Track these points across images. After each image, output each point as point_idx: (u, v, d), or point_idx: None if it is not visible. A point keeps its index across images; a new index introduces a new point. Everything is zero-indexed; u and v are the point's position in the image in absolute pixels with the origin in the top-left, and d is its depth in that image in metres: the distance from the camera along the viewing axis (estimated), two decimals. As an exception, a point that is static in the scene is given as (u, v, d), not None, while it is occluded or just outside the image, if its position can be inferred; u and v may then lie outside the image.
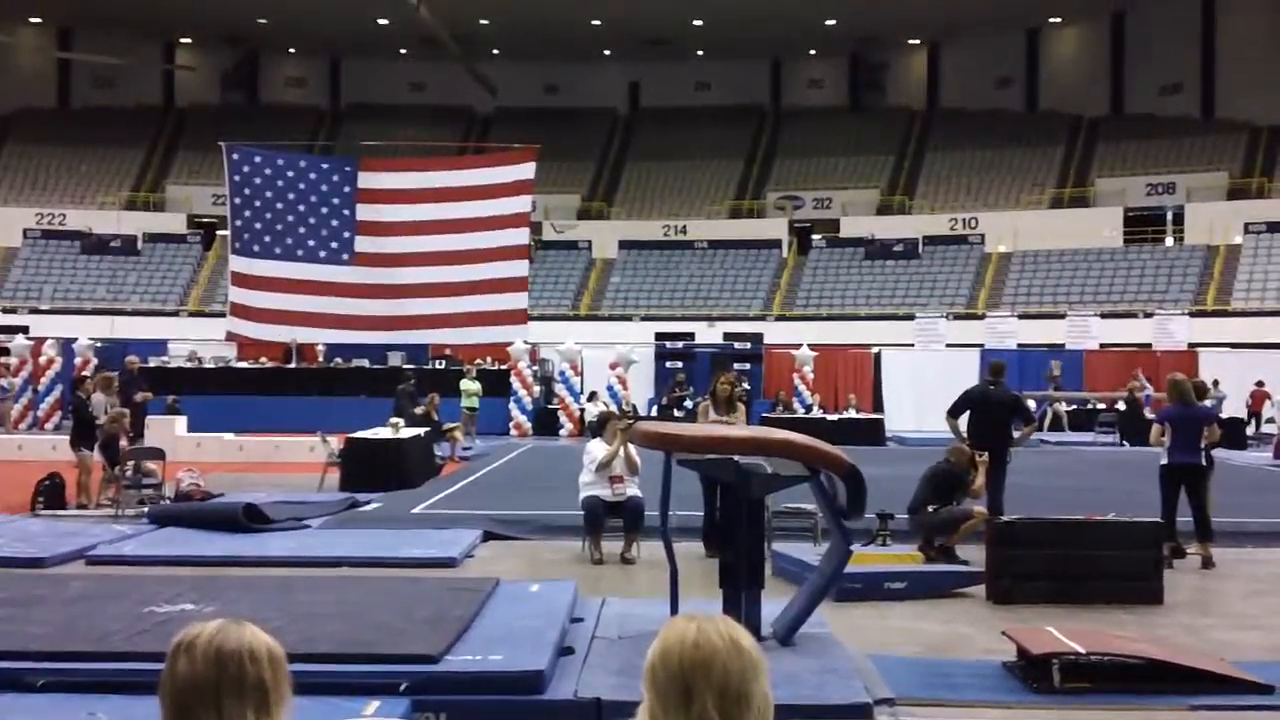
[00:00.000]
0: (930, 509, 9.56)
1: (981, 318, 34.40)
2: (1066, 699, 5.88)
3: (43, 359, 27.84)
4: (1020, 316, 33.86)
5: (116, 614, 6.71)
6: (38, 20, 44.33)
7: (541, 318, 31.52)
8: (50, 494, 12.89)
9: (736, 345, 32.73)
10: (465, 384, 24.60)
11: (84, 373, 22.64)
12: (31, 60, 45.53)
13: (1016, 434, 11.19)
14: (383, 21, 40.71)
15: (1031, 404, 18.11)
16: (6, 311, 35.55)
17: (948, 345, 31.27)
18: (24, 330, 31.48)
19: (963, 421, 10.99)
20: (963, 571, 9.02)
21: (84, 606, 7.00)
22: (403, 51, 44.81)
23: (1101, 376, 28.75)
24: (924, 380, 26.44)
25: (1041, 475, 15.37)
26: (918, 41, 45.77)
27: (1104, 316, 33.01)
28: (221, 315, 23.15)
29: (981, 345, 30.18)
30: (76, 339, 28.28)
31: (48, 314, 35.28)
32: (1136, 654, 6.21)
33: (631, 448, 10.30)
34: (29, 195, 41.74)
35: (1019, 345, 30.91)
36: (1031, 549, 8.55)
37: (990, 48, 43.42)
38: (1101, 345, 31.19)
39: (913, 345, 31.71)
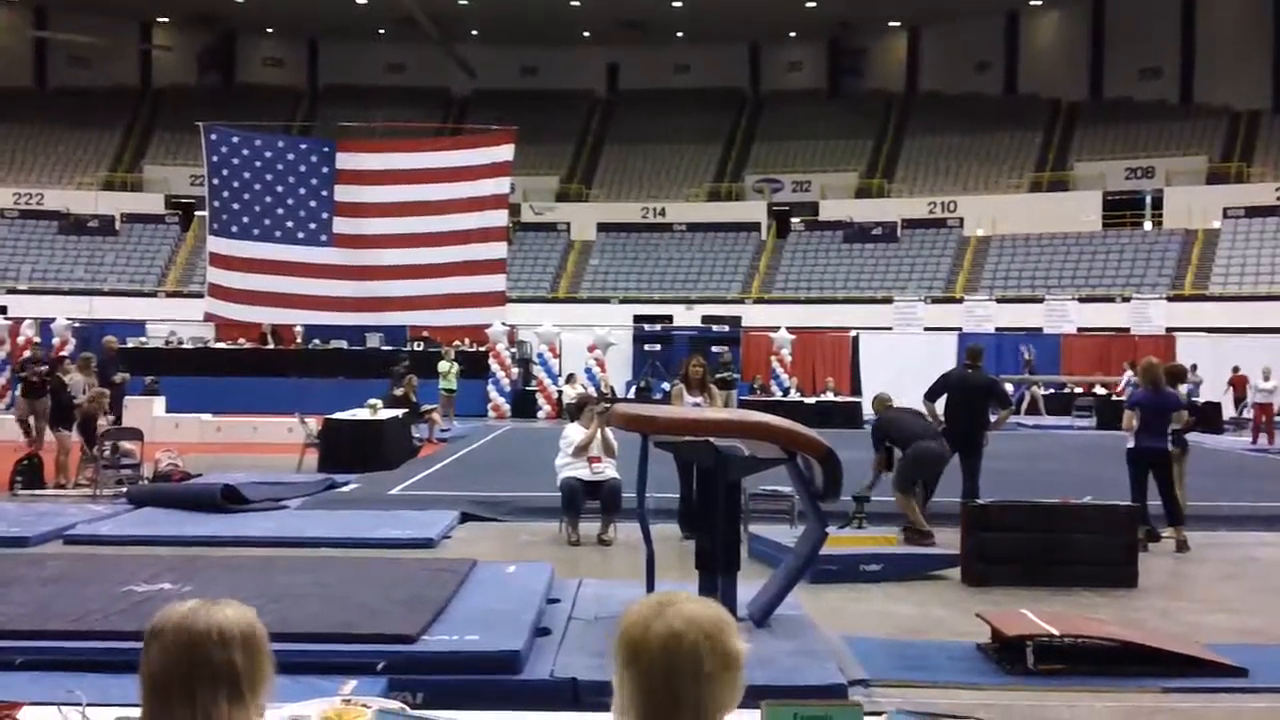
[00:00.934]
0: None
1: (960, 301, 34.55)
2: (1040, 680, 5.94)
3: (20, 339, 27.66)
4: (998, 300, 34.02)
5: (95, 594, 6.71)
6: (12, -1, 43.92)
7: (520, 300, 31.52)
8: (28, 474, 12.86)
9: (715, 328, 32.77)
10: (443, 366, 24.59)
11: (62, 353, 22.52)
12: (7, 40, 45.04)
13: (993, 418, 11.27)
14: (361, 1, 40.46)
15: (1009, 388, 18.23)
16: (-17, 292, 35.29)
17: (926, 329, 31.41)
18: (2, 310, 31.26)
19: (940, 405, 11.06)
20: (938, 554, 9.09)
21: (62, 586, 7.00)
22: (381, 32, 44.52)
23: (1079, 361, 28.96)
24: (902, 364, 26.53)
25: (1018, 459, 15.51)
26: (897, 25, 45.78)
27: (1082, 301, 33.21)
28: (199, 296, 23.05)
29: (959, 329, 30.31)
30: (54, 319, 28.12)
31: (25, 294, 35.02)
32: (1110, 636, 6.29)
33: (609, 431, 10.36)
34: (6, 175, 41.38)
35: (997, 329, 31.08)
36: (1006, 532, 8.62)
37: (970, 31, 43.48)
38: (1079, 329, 31.39)
39: (891, 329, 31.83)
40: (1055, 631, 6.17)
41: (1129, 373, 25.77)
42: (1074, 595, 8.08)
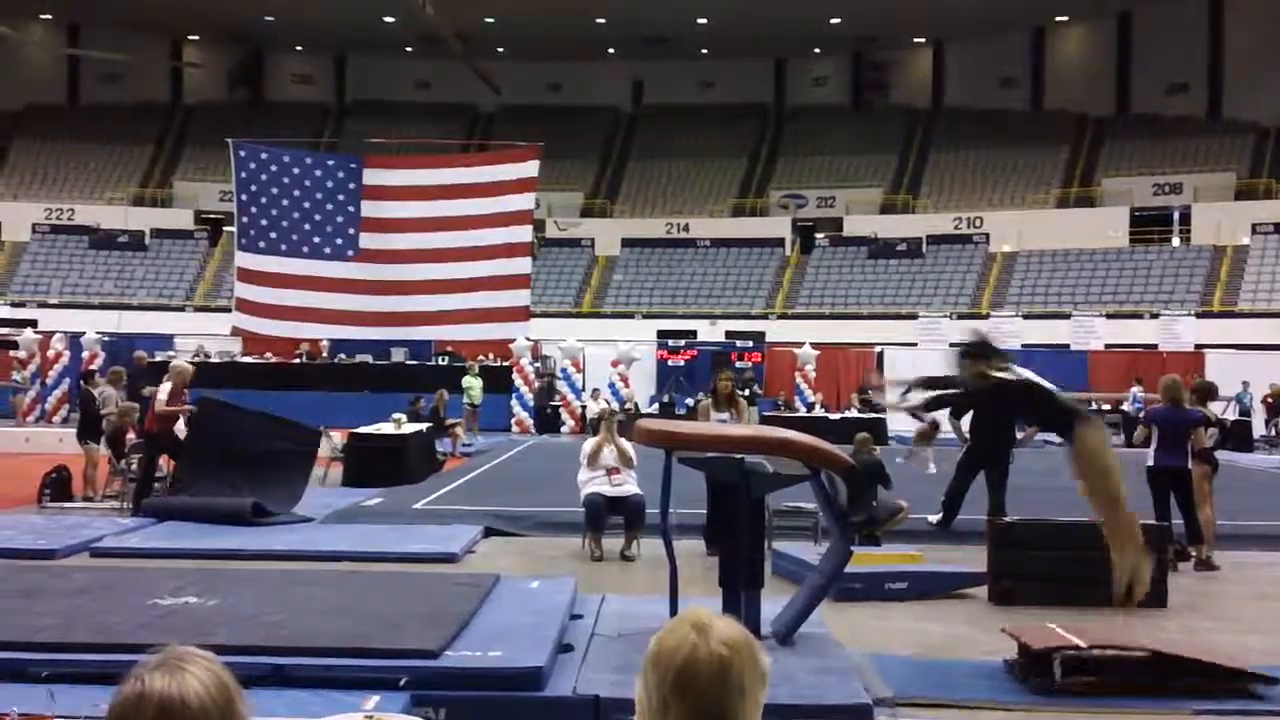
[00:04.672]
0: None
1: (985, 317, 34.36)
2: (1067, 700, 5.86)
3: (50, 353, 27.95)
4: (1025, 316, 33.84)
5: (120, 606, 6.75)
6: (47, 17, 44.38)
7: (544, 315, 31.51)
8: (57, 486, 12.97)
9: (739, 344, 32.73)
10: (468, 380, 24.67)
11: (91, 367, 22.71)
12: (41, 57, 45.60)
13: (1020, 435, 11.19)
14: (388, 19, 40.74)
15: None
16: (15, 306, 35.65)
17: (951, 345, 31.20)
18: (32, 324, 31.58)
19: (965, 421, 10.99)
20: (963, 573, 9.03)
21: (88, 598, 7.04)
22: (408, 49, 44.82)
23: (1106, 377, 28.74)
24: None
25: (1044, 476, 15.37)
26: (922, 40, 45.71)
27: (1109, 317, 32.98)
28: (227, 310, 23.19)
29: (985, 345, 30.10)
30: (84, 333, 28.38)
31: (56, 308, 35.36)
32: (1140, 647, 6.20)
33: (625, 442, 10.39)
34: (38, 191, 41.82)
35: (1023, 345, 30.88)
36: (1033, 550, 8.55)
37: (995, 47, 43.37)
38: (1107, 346, 31.15)
39: (916, 344, 31.70)
40: (1082, 644, 6.09)
41: (1136, 388, 25.63)
42: (1102, 615, 7.99)
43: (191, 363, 26.77)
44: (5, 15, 40.28)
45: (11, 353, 28.58)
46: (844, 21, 41.98)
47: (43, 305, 35.79)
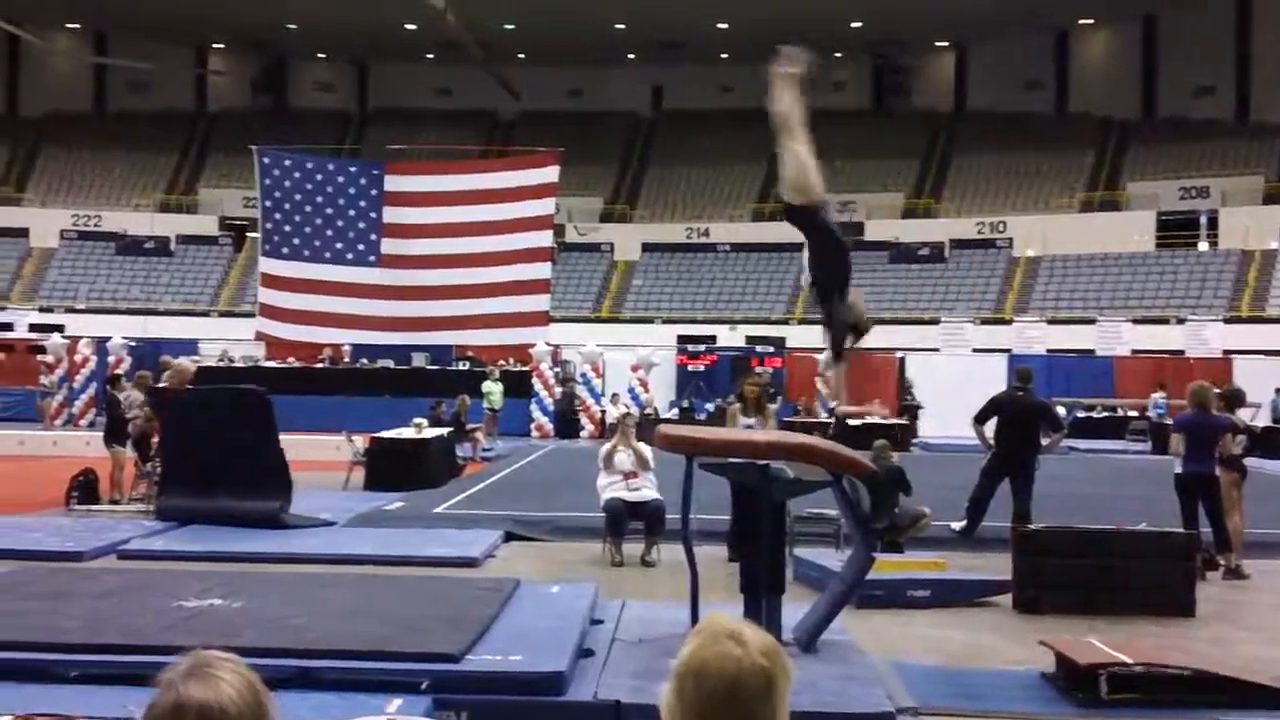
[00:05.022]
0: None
1: (1009, 323, 34.21)
2: (1111, 712, 5.78)
3: (78, 358, 28.20)
4: (1049, 322, 33.65)
5: (147, 608, 6.80)
6: (74, 25, 44.81)
7: (564, 320, 31.57)
8: (84, 489, 13.07)
9: (759, 349, 32.67)
10: (488, 385, 24.73)
11: (117, 371, 22.89)
12: (67, 64, 46.00)
13: (1045, 441, 11.13)
14: (409, 26, 40.91)
15: (1061, 411, 18.01)
16: (43, 311, 35.96)
17: (974, 350, 31.13)
18: (60, 329, 31.86)
19: (990, 428, 10.94)
20: (988, 580, 8.98)
21: (115, 600, 7.09)
22: (428, 56, 44.99)
23: (1133, 383, 28.54)
24: (949, 385, 26.33)
25: (1069, 483, 15.27)
26: (944, 43, 45.56)
27: (1136, 322, 32.75)
28: (251, 315, 23.33)
29: (1009, 351, 30.02)
30: (111, 338, 28.62)
31: (83, 314, 35.64)
32: (1184, 665, 6.12)
33: (642, 445, 10.40)
34: (65, 197, 42.18)
35: (1048, 350, 30.75)
36: (1059, 558, 8.47)
37: (1018, 49, 43.16)
38: (1133, 351, 30.95)
39: (938, 350, 31.57)
40: (1128, 660, 6.00)
41: (1158, 395, 25.46)
42: (1129, 623, 7.90)
43: (216, 367, 27.10)
44: (33, 24, 40.68)
45: (40, 357, 28.86)
46: (864, 25, 41.88)
47: (70, 310, 36.08)
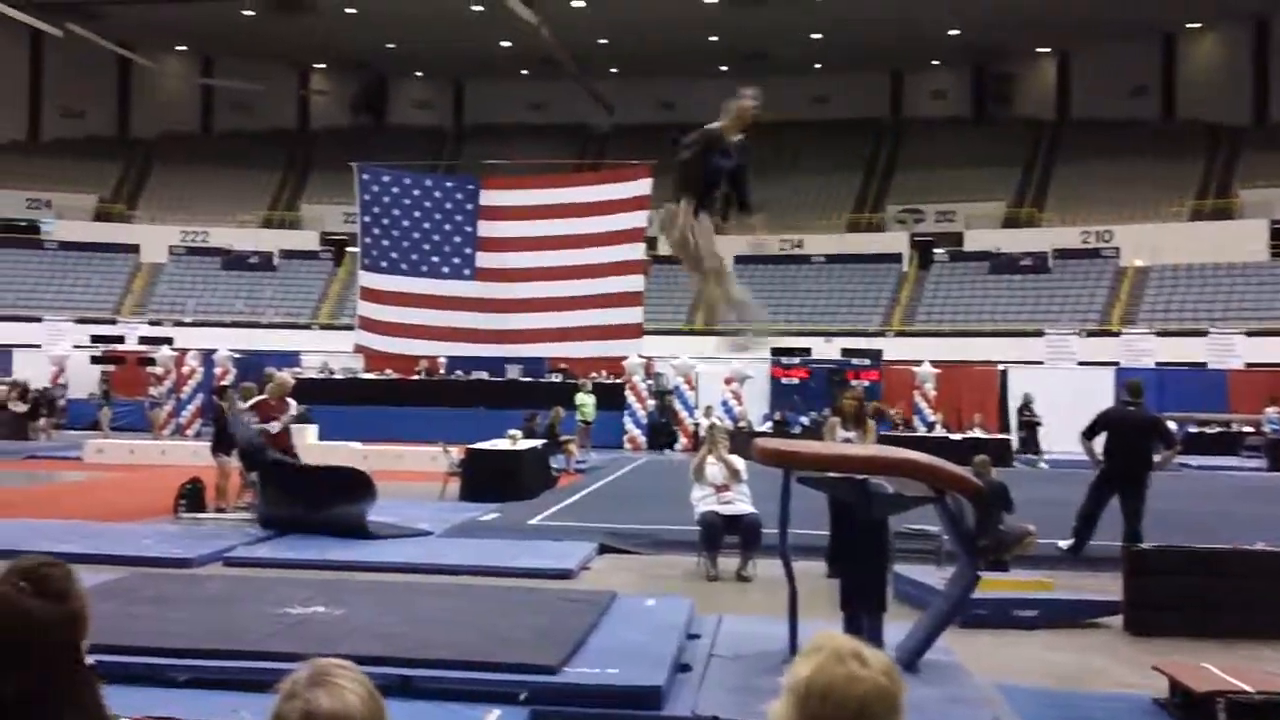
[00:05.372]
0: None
1: (1116, 335, 33.34)
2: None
3: (185, 369, 29.02)
4: (1158, 334, 32.69)
5: (253, 614, 6.92)
6: (183, 48, 46.25)
7: (656, 332, 31.55)
8: (191, 497, 13.38)
9: (854, 361, 32.31)
10: (580, 397, 24.83)
11: (223, 382, 23.47)
12: (177, 87, 47.49)
13: (1157, 457, 10.77)
14: (505, 44, 41.41)
15: (1173, 425, 17.43)
16: (153, 324, 37.05)
17: (1080, 363, 30.40)
18: (169, 342, 32.80)
19: (1099, 443, 10.63)
20: (1097, 601, 8.71)
21: (222, 607, 7.24)
22: (523, 72, 45.49)
23: (1247, 398, 27.58)
24: (1054, 400, 25.74)
25: (1182, 501, 14.77)
26: (1046, 50, 44.68)
27: (1249, 334, 31.66)
28: (350, 328, 23.77)
29: (1117, 364, 29.26)
30: (217, 350, 29.39)
31: (190, 327, 36.64)
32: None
33: (733, 457, 10.32)
34: (174, 214, 43.46)
35: (1157, 364, 29.88)
36: (1171, 578, 8.16)
37: (1123, 55, 42.12)
38: (1247, 365, 29.92)
39: (1042, 363, 30.89)
40: (1247, 688, 5.75)
41: (1272, 410, 24.54)
42: (1246, 647, 7.56)
43: (316, 379, 27.66)
44: (146, 48, 42.08)
45: (149, 369, 29.77)
46: (964, 33, 41.26)
47: (178, 324, 37.11)
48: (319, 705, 1.64)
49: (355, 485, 11.68)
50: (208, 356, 29.21)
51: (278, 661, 5.66)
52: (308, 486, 11.82)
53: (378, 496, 11.76)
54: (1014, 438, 25.55)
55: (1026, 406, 25.60)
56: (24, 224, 41.46)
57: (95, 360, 31.67)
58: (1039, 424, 25.21)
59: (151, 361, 29.98)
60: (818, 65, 44.63)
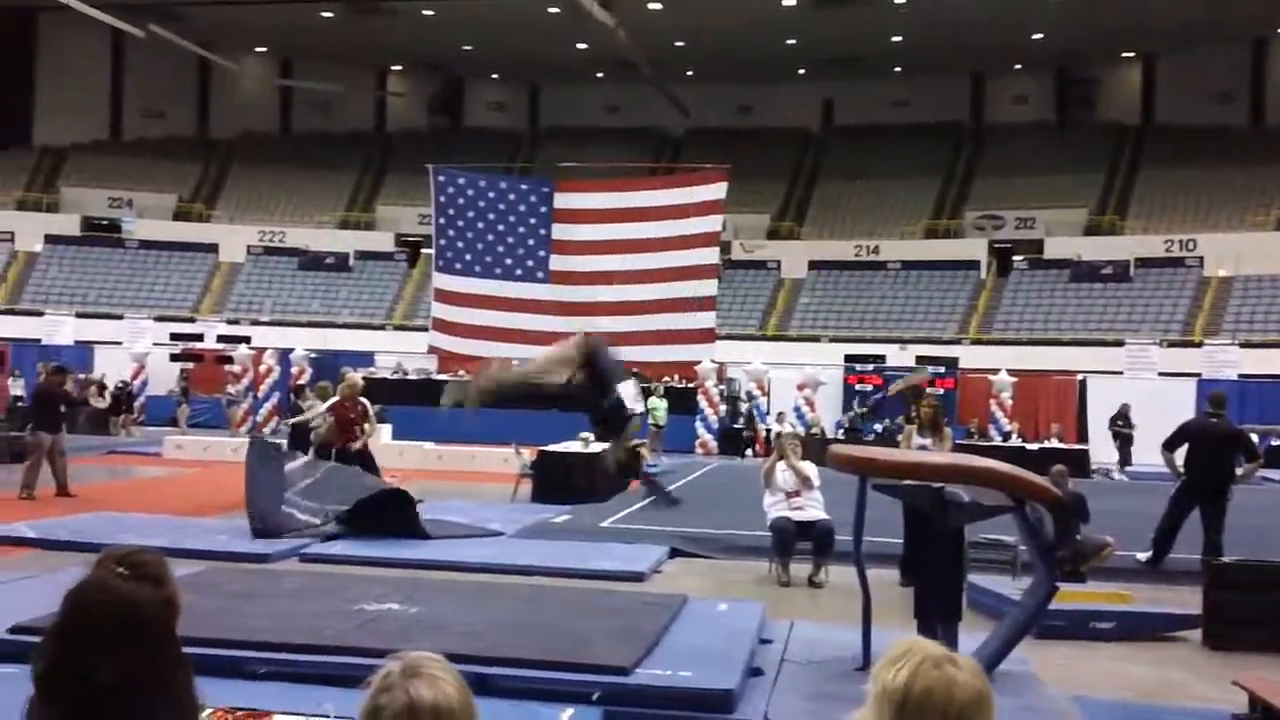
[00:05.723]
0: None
1: (1199, 345, 32.60)
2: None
3: (262, 368, 29.57)
4: (1242, 345, 31.90)
5: (329, 610, 7.03)
6: (262, 49, 47.11)
7: (729, 337, 31.53)
8: (269, 495, 13.57)
9: (929, 369, 31.95)
10: (653, 401, 24.86)
11: (300, 381, 23.89)
12: (257, 88, 48.37)
13: (1239, 470, 10.55)
14: (581, 46, 41.61)
15: (1255, 438, 17.02)
16: (230, 323, 37.71)
17: (1160, 374, 29.79)
18: (246, 341, 33.41)
19: (1180, 455, 10.43)
20: (1175, 614, 8.55)
21: (300, 602, 7.36)
22: (598, 75, 45.65)
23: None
24: (1134, 410, 25.25)
25: (1265, 515, 14.44)
26: (1131, 55, 43.86)
27: (1339, 347, 30.79)
28: (424, 329, 24.05)
29: (1199, 375, 28.65)
30: (293, 349, 29.90)
31: (267, 326, 37.25)
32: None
33: (805, 464, 10.27)
34: (253, 214, 44.24)
35: (1240, 375, 29.17)
36: (1251, 593, 8.02)
37: (1210, 61, 41.19)
38: (1337, 378, 29.09)
39: (1121, 373, 30.33)
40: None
41: None
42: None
43: (390, 379, 28.02)
44: (226, 49, 42.95)
45: (227, 367, 30.36)
46: (1047, 37, 40.64)
47: (255, 323, 37.73)
48: (421, 696, 1.68)
49: (394, 504, 11.74)
50: (284, 355, 29.73)
51: (355, 656, 5.78)
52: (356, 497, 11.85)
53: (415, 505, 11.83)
54: (1090, 448, 25.09)
55: (1122, 417, 25.03)
56: (106, 223, 42.39)
57: (174, 358, 32.30)
58: (1131, 435, 24.70)
59: (229, 360, 30.57)
60: (897, 69, 44.24)
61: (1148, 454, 11.65)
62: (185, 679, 2.04)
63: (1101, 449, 25.49)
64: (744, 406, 28.72)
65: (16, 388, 27.73)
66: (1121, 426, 24.89)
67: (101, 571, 2.03)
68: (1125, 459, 24.57)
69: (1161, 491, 10.67)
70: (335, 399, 13.41)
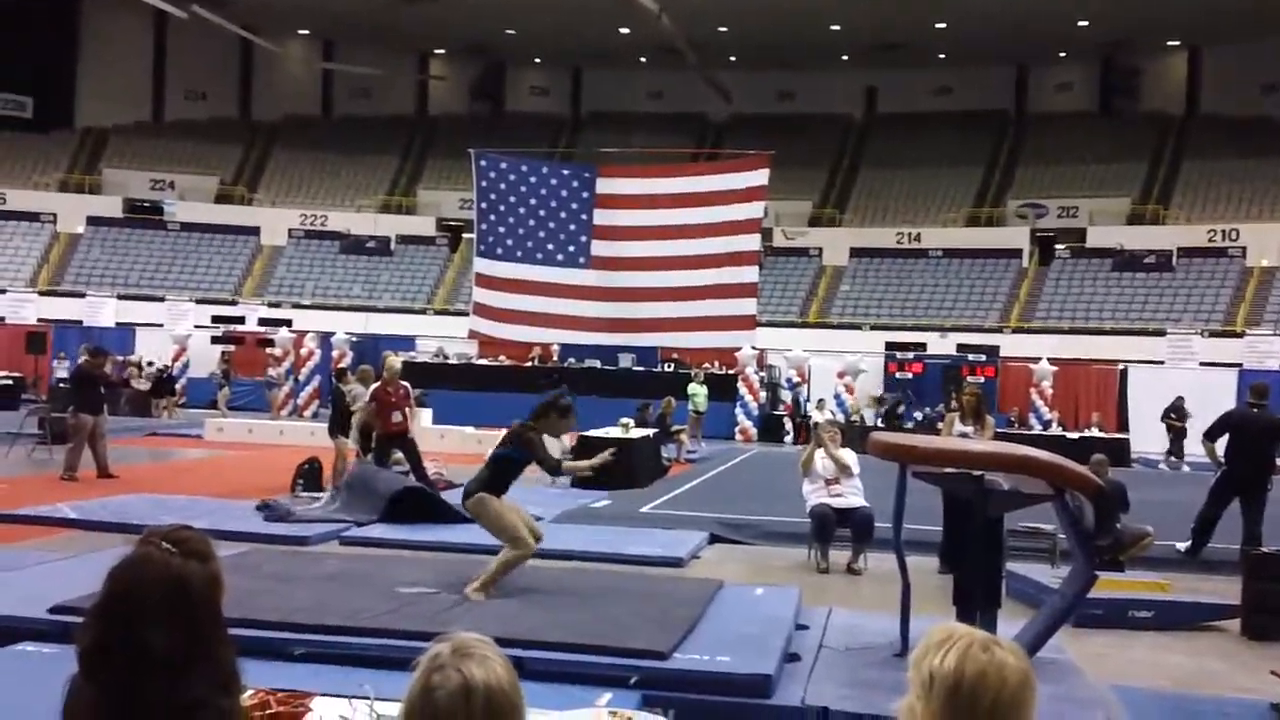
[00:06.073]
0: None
1: (1240, 336, 32.21)
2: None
3: (303, 351, 29.82)
4: (1285, 336, 31.51)
5: (368, 592, 7.12)
6: (305, 32, 47.38)
7: (770, 324, 31.47)
8: (309, 477, 13.75)
9: (970, 357, 31.78)
10: (693, 388, 24.88)
11: (341, 365, 24.09)
12: (299, 71, 48.70)
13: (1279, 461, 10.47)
14: (624, 31, 41.56)
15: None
16: (272, 306, 38.08)
17: (1202, 364, 29.46)
18: (288, 324, 33.71)
19: (1221, 445, 10.36)
20: (1215, 604, 8.51)
21: (339, 584, 7.45)
22: (641, 60, 45.58)
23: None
24: (1174, 400, 24.99)
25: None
26: (1176, 44, 43.25)
27: (1380, 337, 30.33)
28: (465, 314, 24.19)
29: (1240, 365, 28.31)
30: (334, 333, 30.14)
31: (309, 309, 37.57)
32: None
33: (843, 452, 10.26)
34: (294, 198, 44.59)
35: (1282, 367, 28.79)
36: (1293, 584, 7.97)
37: (1257, 51, 40.49)
38: (1380, 370, 28.63)
39: (1163, 363, 30.03)
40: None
41: None
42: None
43: (430, 364, 28.19)
44: (268, 32, 43.23)
45: (268, 350, 30.66)
46: (1091, 25, 40.16)
47: (297, 306, 38.07)
48: (473, 675, 1.72)
49: (416, 499, 11.83)
50: (325, 339, 29.98)
51: (393, 638, 5.86)
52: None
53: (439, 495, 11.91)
54: (1131, 438, 24.86)
55: (1175, 409, 24.64)
56: (148, 205, 42.74)
57: (215, 340, 32.61)
58: (1185, 429, 24.40)
59: (270, 343, 30.85)
60: (941, 56, 43.87)
61: (1190, 444, 11.57)
62: (229, 657, 2.06)
63: (1142, 438, 25.26)
64: (786, 394, 28.69)
65: (62, 369, 28.12)
66: (1174, 419, 24.57)
67: (148, 548, 2.03)
68: (1177, 451, 24.29)
69: (1206, 482, 10.59)
70: (377, 384, 13.51)
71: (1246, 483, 10.06)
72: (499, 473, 7.75)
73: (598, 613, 6.73)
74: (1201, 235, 37.29)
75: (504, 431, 8.11)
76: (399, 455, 13.64)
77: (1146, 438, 25.30)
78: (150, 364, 29.75)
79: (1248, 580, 8.13)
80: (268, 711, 3.60)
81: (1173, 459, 24.18)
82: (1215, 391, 23.40)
